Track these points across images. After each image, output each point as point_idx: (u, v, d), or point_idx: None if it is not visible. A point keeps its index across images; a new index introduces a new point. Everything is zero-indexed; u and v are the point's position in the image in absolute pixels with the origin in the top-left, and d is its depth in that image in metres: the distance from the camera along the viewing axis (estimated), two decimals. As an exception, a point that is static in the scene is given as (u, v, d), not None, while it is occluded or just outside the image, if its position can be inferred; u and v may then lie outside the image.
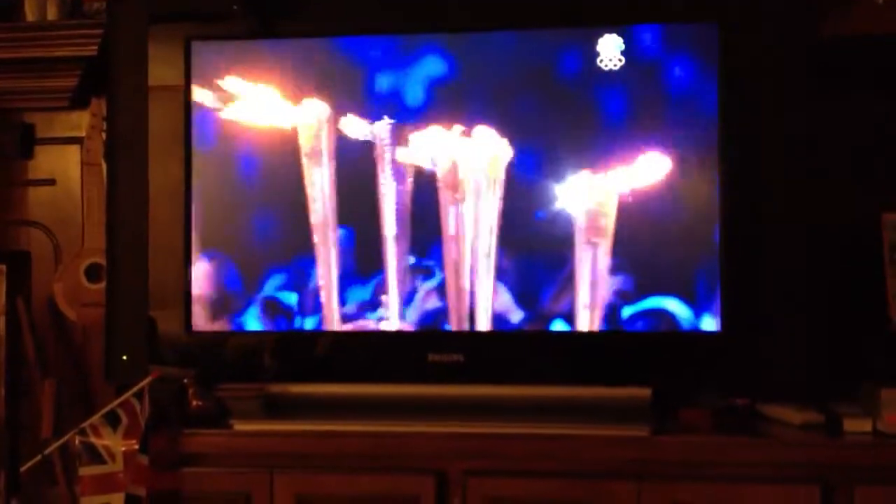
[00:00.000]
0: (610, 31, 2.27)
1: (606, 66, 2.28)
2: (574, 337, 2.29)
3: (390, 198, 2.33)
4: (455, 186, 2.32)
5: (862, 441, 2.10)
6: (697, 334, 2.25)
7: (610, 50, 2.28)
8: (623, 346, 2.29)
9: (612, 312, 2.28)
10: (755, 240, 2.22)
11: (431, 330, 2.33)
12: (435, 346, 2.32)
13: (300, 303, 2.37)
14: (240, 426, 2.26)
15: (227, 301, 2.38)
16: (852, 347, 2.27)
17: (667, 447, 2.13)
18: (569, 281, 2.28)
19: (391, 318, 2.34)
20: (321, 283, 2.35)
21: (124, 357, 2.36)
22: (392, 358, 2.36)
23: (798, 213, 2.21)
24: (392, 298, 2.34)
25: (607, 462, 2.13)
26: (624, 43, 2.27)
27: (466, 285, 2.32)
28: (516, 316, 2.30)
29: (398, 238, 2.34)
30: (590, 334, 2.29)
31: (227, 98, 2.38)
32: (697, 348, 2.26)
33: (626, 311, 2.27)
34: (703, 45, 2.25)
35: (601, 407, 2.26)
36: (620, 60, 2.27)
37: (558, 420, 2.22)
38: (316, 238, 2.36)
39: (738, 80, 2.23)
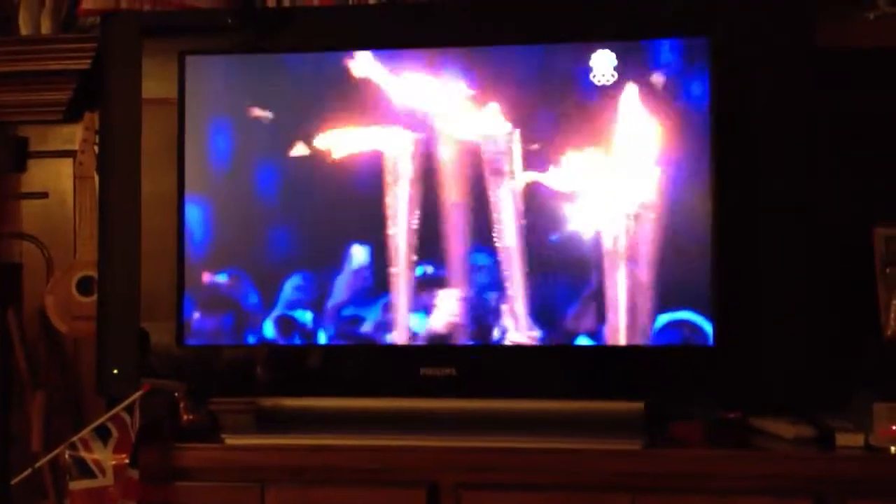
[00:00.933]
0: (603, 47, 2.29)
1: (600, 81, 2.29)
2: (566, 351, 2.29)
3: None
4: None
5: (854, 455, 2.10)
6: (690, 348, 2.25)
7: (604, 65, 2.29)
8: (615, 360, 2.29)
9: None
10: (748, 252, 2.23)
11: (423, 344, 2.33)
12: (427, 360, 2.32)
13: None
14: (231, 440, 2.25)
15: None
16: (845, 360, 2.26)
17: (660, 460, 2.13)
18: (591, 298, 2.29)
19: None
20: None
21: (115, 370, 2.35)
22: (384, 372, 2.36)
23: (790, 226, 2.22)
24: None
25: (600, 475, 2.13)
26: (618, 58, 2.28)
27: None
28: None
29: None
30: (582, 348, 2.28)
31: (242, 113, 2.38)
32: (690, 362, 2.26)
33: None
34: (699, 57, 2.26)
35: (594, 420, 2.26)
36: (613, 76, 2.28)
37: (551, 434, 2.21)
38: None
39: (735, 92, 2.25)
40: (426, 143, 2.33)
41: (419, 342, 2.33)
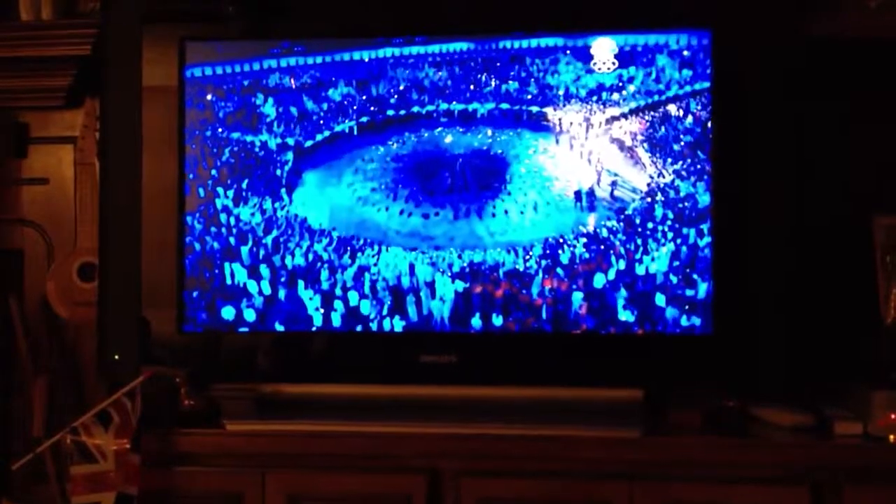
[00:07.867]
0: (605, 35, 2.29)
1: (601, 69, 2.29)
2: (566, 338, 2.30)
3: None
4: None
5: (851, 443, 2.11)
6: (689, 336, 2.25)
7: (604, 53, 2.29)
8: (615, 348, 2.29)
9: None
10: (746, 241, 2.23)
11: (424, 331, 2.33)
12: (427, 347, 2.32)
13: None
14: (232, 426, 2.26)
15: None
16: (843, 349, 2.27)
17: (659, 448, 2.14)
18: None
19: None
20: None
21: (116, 356, 2.36)
22: (385, 359, 2.36)
23: (789, 215, 2.22)
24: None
25: (599, 463, 2.14)
26: (619, 47, 2.28)
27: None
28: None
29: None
30: (581, 335, 2.29)
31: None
32: (689, 350, 2.26)
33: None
34: (697, 49, 2.26)
35: (593, 408, 2.26)
36: (614, 63, 2.28)
37: (550, 421, 2.22)
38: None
39: (731, 82, 2.25)
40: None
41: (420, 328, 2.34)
